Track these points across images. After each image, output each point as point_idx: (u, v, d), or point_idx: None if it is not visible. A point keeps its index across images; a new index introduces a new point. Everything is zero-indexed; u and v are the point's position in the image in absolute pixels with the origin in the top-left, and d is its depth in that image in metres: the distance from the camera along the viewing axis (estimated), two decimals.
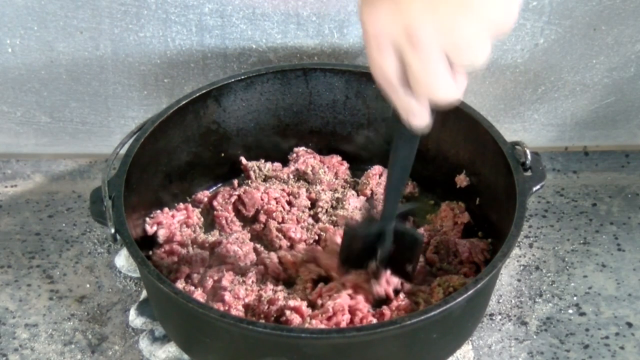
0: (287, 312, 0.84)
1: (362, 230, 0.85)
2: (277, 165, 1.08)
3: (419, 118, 0.65)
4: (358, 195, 1.04)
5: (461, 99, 0.64)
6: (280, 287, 0.89)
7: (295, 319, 0.83)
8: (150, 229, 0.94)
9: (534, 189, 0.87)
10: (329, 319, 0.83)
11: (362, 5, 0.59)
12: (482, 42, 0.58)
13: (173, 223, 0.96)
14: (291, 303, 0.84)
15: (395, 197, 0.81)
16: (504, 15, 0.58)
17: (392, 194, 0.80)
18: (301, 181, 1.06)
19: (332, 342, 0.75)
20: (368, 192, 1.05)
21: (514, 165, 0.88)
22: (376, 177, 1.05)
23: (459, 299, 0.75)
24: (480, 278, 0.77)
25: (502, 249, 0.79)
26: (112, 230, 0.81)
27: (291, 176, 1.06)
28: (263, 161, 1.08)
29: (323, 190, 1.03)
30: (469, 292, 0.75)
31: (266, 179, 1.07)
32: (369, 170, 1.07)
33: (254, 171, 1.06)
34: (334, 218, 1.00)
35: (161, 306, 0.88)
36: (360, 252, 0.86)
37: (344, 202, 1.01)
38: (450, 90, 0.61)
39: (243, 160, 1.07)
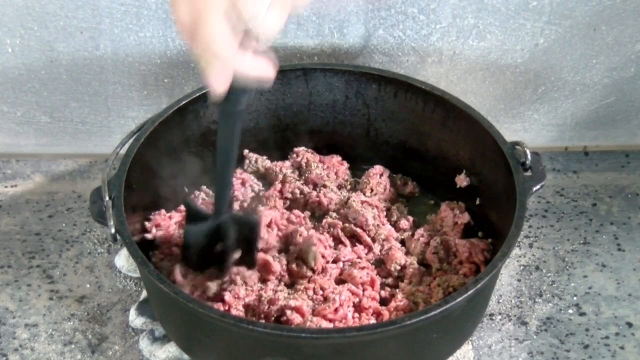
0: (288, 312, 0.84)
1: (197, 227, 0.84)
2: (276, 163, 1.08)
3: (211, 78, 0.64)
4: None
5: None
6: (280, 287, 0.89)
7: (296, 319, 0.83)
8: (149, 234, 0.94)
9: (534, 189, 0.87)
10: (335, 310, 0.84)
11: None
12: (270, 8, 0.57)
13: (170, 225, 0.96)
14: (292, 303, 0.85)
15: (223, 185, 0.79)
16: None
17: (219, 182, 0.79)
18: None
19: (332, 342, 0.75)
20: (368, 191, 1.05)
21: (514, 165, 0.88)
22: (376, 177, 1.05)
23: (459, 299, 0.75)
24: (480, 278, 0.77)
25: (502, 248, 0.79)
26: (112, 230, 0.81)
27: (288, 171, 1.07)
28: (265, 158, 1.08)
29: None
30: (469, 292, 0.75)
31: (260, 174, 1.07)
32: (369, 170, 1.07)
33: (249, 161, 1.08)
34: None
35: (161, 306, 0.88)
36: (204, 248, 0.86)
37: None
38: (229, 55, 0.60)
39: (245, 151, 1.08)
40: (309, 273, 0.92)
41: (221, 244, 0.85)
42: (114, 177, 0.87)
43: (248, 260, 0.88)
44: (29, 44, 1.07)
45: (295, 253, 0.94)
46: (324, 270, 0.93)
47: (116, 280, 1.03)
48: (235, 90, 0.67)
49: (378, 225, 0.99)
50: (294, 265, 0.92)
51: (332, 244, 0.96)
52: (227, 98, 0.67)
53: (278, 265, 0.92)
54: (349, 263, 0.94)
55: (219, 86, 0.65)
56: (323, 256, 0.93)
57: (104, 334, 0.96)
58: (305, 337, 0.74)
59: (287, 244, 0.96)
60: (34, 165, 1.21)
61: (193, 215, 0.87)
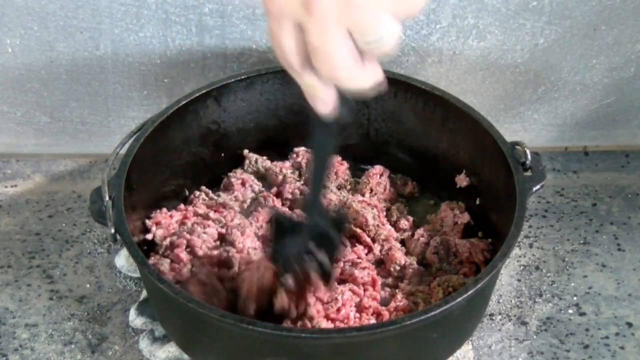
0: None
1: (288, 221, 0.81)
2: (276, 164, 1.08)
3: (323, 103, 0.62)
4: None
5: (376, 85, 0.59)
6: None
7: (307, 323, 0.83)
8: (149, 234, 0.94)
9: (534, 189, 0.87)
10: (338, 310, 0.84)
11: None
12: (385, 21, 0.54)
13: (171, 223, 0.96)
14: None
15: (316, 190, 0.77)
16: None
17: (313, 187, 0.77)
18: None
19: (332, 342, 0.75)
20: (368, 191, 1.05)
21: (514, 166, 0.88)
22: (376, 177, 1.05)
23: (459, 299, 0.74)
24: (480, 278, 0.77)
25: (502, 249, 0.79)
26: (112, 231, 0.81)
27: (288, 171, 1.07)
28: (265, 158, 1.08)
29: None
30: (469, 292, 0.75)
31: (260, 175, 1.07)
32: (369, 170, 1.07)
33: (249, 161, 1.07)
34: None
35: (161, 306, 0.88)
36: (287, 244, 0.81)
37: None
38: (354, 73, 0.57)
39: (245, 151, 1.08)
40: None
41: (321, 253, 0.80)
42: (114, 177, 0.87)
43: (324, 276, 0.82)
44: (29, 44, 1.07)
45: None
46: None
47: (116, 280, 1.03)
48: (344, 103, 0.64)
49: (378, 225, 0.99)
50: None
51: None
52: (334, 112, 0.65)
53: None
54: (350, 263, 0.94)
55: (333, 106, 0.63)
56: None
57: (104, 334, 0.96)
58: (306, 337, 0.74)
59: None
60: (34, 165, 1.21)
61: (284, 227, 0.82)
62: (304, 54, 0.57)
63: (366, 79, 0.58)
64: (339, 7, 0.53)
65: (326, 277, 0.81)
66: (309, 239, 0.79)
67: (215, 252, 0.92)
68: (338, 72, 0.57)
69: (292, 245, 0.80)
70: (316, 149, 0.73)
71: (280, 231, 0.81)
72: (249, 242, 0.93)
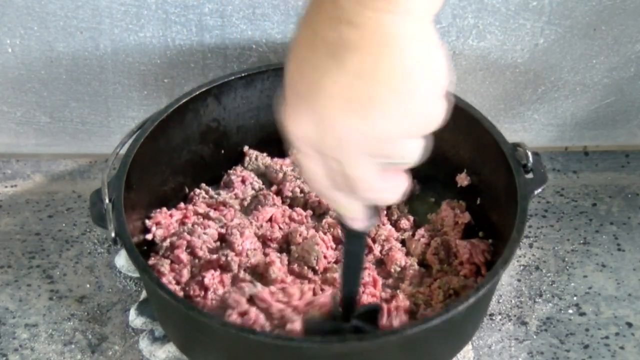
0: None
1: (320, 327, 0.80)
2: (277, 161, 1.08)
3: (356, 220, 0.64)
4: None
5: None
6: None
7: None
8: (149, 234, 0.94)
9: (536, 192, 0.86)
10: None
11: (285, 110, 0.55)
12: (409, 141, 0.55)
13: (171, 222, 0.96)
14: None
15: (349, 295, 0.77)
16: (429, 113, 0.54)
17: (346, 294, 0.77)
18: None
19: (333, 351, 0.74)
20: None
21: (516, 168, 0.87)
22: None
23: (460, 308, 0.74)
24: (482, 285, 0.76)
25: (503, 255, 0.78)
26: (113, 235, 0.81)
27: (288, 169, 1.07)
28: (265, 155, 1.08)
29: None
30: (470, 300, 0.75)
31: (260, 172, 1.07)
32: None
33: (249, 158, 1.07)
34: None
35: (162, 312, 0.87)
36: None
37: None
38: (384, 193, 0.59)
39: (246, 148, 1.08)
40: (311, 274, 0.92)
41: None
42: (113, 177, 0.86)
43: None
44: (29, 44, 1.07)
45: (297, 253, 0.94)
46: (325, 270, 0.92)
47: (116, 280, 1.03)
48: (374, 213, 0.65)
49: (378, 225, 0.99)
50: (295, 266, 0.92)
51: (334, 245, 0.96)
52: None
53: (279, 264, 0.91)
54: None
55: (366, 222, 0.64)
56: (325, 257, 0.93)
57: (104, 334, 0.96)
58: (307, 346, 0.73)
59: (287, 244, 0.96)
60: (34, 165, 1.21)
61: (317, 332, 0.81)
62: (333, 178, 0.57)
63: (395, 192, 0.60)
64: (365, 141, 0.53)
65: None
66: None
67: (215, 256, 0.92)
68: (368, 195, 0.58)
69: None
70: (349, 256, 0.73)
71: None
72: (248, 244, 0.93)
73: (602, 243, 1.08)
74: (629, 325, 0.97)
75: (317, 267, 0.92)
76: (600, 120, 1.20)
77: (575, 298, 1.00)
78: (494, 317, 0.98)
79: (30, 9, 1.04)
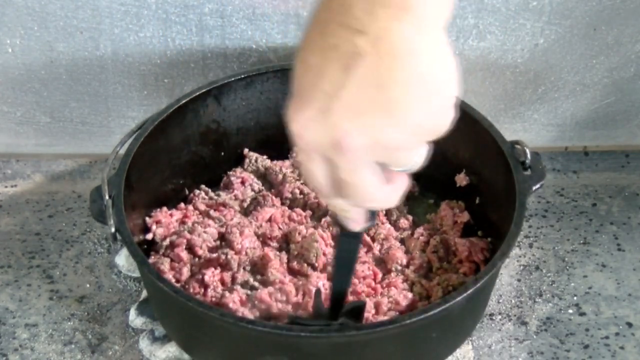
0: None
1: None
2: (277, 162, 1.08)
3: (353, 222, 0.64)
4: None
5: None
6: None
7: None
8: (149, 233, 0.94)
9: (534, 188, 0.87)
10: None
11: (292, 113, 0.55)
12: (413, 147, 0.56)
13: (171, 222, 0.96)
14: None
15: (339, 293, 0.78)
16: (434, 120, 0.54)
17: (336, 291, 0.78)
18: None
19: (332, 341, 0.75)
20: None
21: (514, 165, 0.88)
22: None
23: (459, 298, 0.74)
24: (480, 277, 0.77)
25: (502, 248, 0.79)
26: (112, 230, 0.81)
27: (288, 171, 1.07)
28: (265, 157, 1.08)
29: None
30: (469, 291, 0.75)
31: (260, 174, 1.07)
32: None
33: (249, 160, 1.07)
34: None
35: (161, 306, 0.88)
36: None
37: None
38: (384, 199, 0.59)
39: (245, 150, 1.08)
40: (310, 271, 0.92)
41: None
42: (113, 176, 0.87)
43: None
44: (29, 44, 1.07)
45: (296, 251, 0.94)
46: (325, 267, 0.93)
47: (116, 280, 1.03)
48: (372, 216, 0.66)
49: (377, 224, 0.99)
50: (294, 264, 0.92)
51: (333, 242, 0.96)
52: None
53: (277, 264, 0.91)
54: None
55: (362, 223, 0.65)
56: (324, 254, 0.93)
57: (104, 334, 0.95)
58: (305, 336, 0.74)
59: (287, 242, 0.96)
60: (34, 165, 1.21)
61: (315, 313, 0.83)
62: (334, 182, 0.57)
63: (396, 196, 0.60)
64: (370, 146, 0.53)
65: None
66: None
67: (214, 255, 0.92)
68: (368, 202, 0.59)
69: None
70: (342, 255, 0.74)
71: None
72: (247, 243, 0.93)
73: (602, 243, 1.08)
74: (629, 325, 0.97)
75: (316, 264, 0.92)
76: (600, 120, 1.20)
77: (575, 298, 1.00)
78: (494, 317, 0.98)
79: (30, 9, 1.04)
